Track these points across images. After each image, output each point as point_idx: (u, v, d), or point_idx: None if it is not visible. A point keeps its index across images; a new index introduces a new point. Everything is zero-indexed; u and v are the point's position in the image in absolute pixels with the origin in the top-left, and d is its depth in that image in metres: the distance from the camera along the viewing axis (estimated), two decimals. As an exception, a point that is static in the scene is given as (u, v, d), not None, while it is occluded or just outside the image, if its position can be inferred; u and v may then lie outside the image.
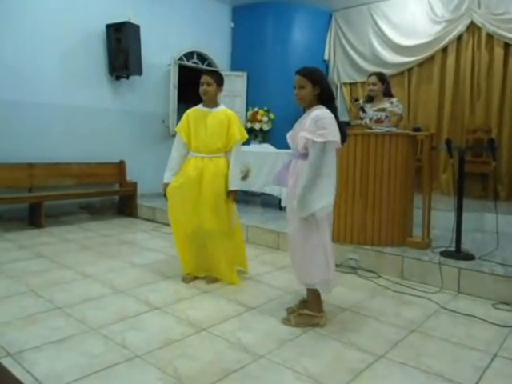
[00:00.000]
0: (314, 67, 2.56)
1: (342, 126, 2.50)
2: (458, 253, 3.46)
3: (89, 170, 5.79)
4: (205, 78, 3.18)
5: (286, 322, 2.56)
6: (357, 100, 4.32)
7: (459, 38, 6.46)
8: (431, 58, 6.73)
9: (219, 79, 3.22)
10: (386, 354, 2.23)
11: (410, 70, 6.97)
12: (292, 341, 2.36)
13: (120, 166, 6.14)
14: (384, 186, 3.67)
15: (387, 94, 4.10)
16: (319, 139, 2.34)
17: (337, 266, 3.64)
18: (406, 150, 3.72)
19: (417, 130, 3.93)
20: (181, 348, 2.25)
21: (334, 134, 2.38)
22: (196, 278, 3.31)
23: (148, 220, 5.70)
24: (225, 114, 3.24)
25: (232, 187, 3.21)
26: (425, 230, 3.71)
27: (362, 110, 4.12)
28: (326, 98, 2.50)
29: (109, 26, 5.92)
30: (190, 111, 3.31)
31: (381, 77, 4.09)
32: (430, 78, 6.76)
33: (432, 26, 6.62)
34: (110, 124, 6.14)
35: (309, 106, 2.52)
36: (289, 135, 2.68)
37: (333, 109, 2.49)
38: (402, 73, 7.04)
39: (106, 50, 6.04)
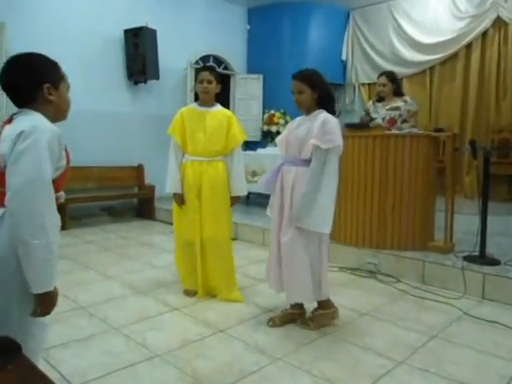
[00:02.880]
0: (311, 70, 2.50)
1: (342, 130, 2.48)
2: (482, 257, 3.36)
3: (109, 174, 5.92)
4: (205, 75, 2.90)
5: (305, 326, 2.54)
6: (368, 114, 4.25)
7: (484, 33, 6.30)
8: (454, 56, 6.59)
9: (218, 76, 2.99)
10: (406, 360, 2.19)
11: (431, 68, 6.85)
12: (309, 344, 2.35)
13: (138, 170, 6.25)
14: (404, 189, 3.62)
15: (398, 93, 4.05)
16: (328, 145, 2.31)
17: (355, 269, 3.65)
18: (427, 151, 3.66)
19: (439, 130, 3.86)
20: (199, 348, 2.28)
21: (340, 138, 2.36)
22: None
23: (165, 222, 5.75)
24: (223, 114, 2.98)
25: (238, 193, 3.01)
26: (447, 233, 3.63)
27: (367, 112, 4.11)
28: (325, 101, 2.46)
29: (127, 31, 6.05)
30: (184, 110, 3.03)
31: (391, 77, 4.04)
32: (453, 77, 6.62)
33: (455, 22, 6.48)
34: (128, 128, 6.26)
35: (308, 110, 2.49)
36: (281, 139, 2.57)
37: (333, 112, 2.46)
38: (423, 71, 6.92)
39: (124, 54, 6.16)
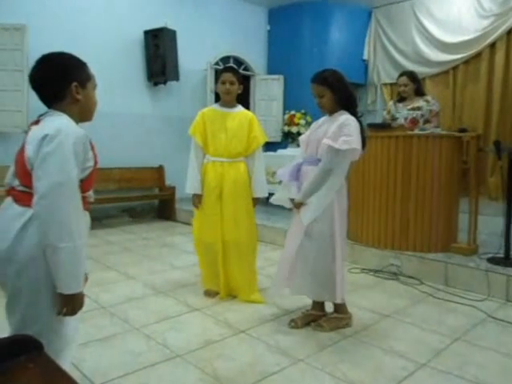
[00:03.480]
0: (329, 71, 2.45)
1: (364, 132, 2.44)
2: (507, 259, 3.29)
3: (129, 175, 5.97)
4: (228, 76, 2.90)
5: (319, 328, 2.52)
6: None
7: (509, 32, 6.13)
8: (478, 55, 6.44)
9: (240, 77, 2.99)
10: (429, 363, 2.16)
11: (455, 68, 6.71)
12: (331, 346, 2.33)
13: (159, 171, 6.29)
14: (427, 190, 3.56)
15: (419, 92, 3.99)
16: (343, 146, 2.28)
17: (377, 271, 3.61)
18: (450, 152, 3.59)
19: (462, 130, 3.79)
20: (220, 349, 2.28)
21: (358, 141, 2.32)
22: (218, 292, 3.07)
23: (186, 223, 5.78)
24: (245, 115, 2.98)
25: (259, 194, 3.00)
26: (471, 235, 3.56)
27: (388, 112, 4.06)
28: (348, 102, 2.42)
29: (146, 33, 6.08)
30: (206, 111, 3.04)
31: (412, 76, 3.99)
32: (477, 76, 6.48)
33: (479, 20, 6.34)
34: (148, 129, 6.31)
35: (332, 111, 2.46)
36: (303, 140, 2.59)
37: (355, 113, 2.42)
38: (446, 71, 6.78)
39: (144, 56, 6.20)
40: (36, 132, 1.33)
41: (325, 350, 2.28)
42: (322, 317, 2.60)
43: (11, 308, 1.37)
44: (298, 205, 2.47)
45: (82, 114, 1.46)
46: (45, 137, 1.28)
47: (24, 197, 1.32)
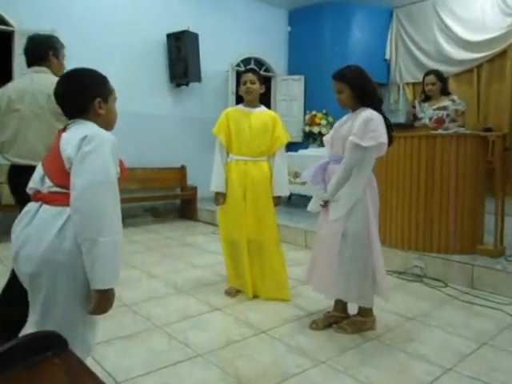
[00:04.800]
0: (350, 68, 2.44)
1: (390, 129, 2.40)
2: (535, 262, 3.20)
3: (152, 175, 6.05)
4: (248, 76, 2.96)
5: (341, 331, 2.49)
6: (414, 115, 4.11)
7: (535, 29, 6.00)
8: (503, 53, 6.29)
9: (261, 77, 3.04)
10: (455, 367, 2.10)
11: (479, 66, 6.57)
12: (354, 348, 2.30)
13: (181, 171, 6.36)
14: (451, 190, 3.48)
15: (445, 92, 3.90)
16: (370, 143, 2.25)
17: (400, 273, 3.55)
18: (475, 151, 3.51)
19: (487, 130, 3.72)
20: (241, 349, 2.28)
21: (384, 135, 2.29)
22: (239, 291, 3.10)
23: (208, 223, 5.83)
24: (268, 115, 3.03)
25: (280, 193, 3.00)
26: (497, 236, 3.47)
27: (412, 113, 3.98)
28: (369, 98, 2.38)
29: (169, 36, 6.18)
30: (230, 110, 3.09)
31: (439, 75, 3.90)
32: (502, 75, 6.32)
33: (504, 18, 6.19)
34: (171, 130, 6.39)
35: (352, 108, 2.44)
36: (327, 139, 2.58)
37: (378, 109, 2.38)
38: (470, 70, 6.64)
39: (167, 58, 6.30)
40: (70, 135, 1.38)
41: (347, 353, 2.25)
42: (344, 319, 2.56)
43: (45, 311, 1.37)
44: (326, 203, 2.45)
45: (104, 125, 1.50)
46: (84, 138, 1.33)
47: (59, 197, 1.35)
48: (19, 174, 2.07)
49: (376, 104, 2.40)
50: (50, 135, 1.95)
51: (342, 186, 2.37)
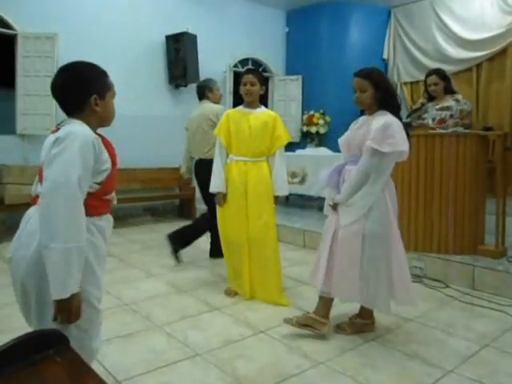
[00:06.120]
0: (375, 68, 2.40)
1: (408, 133, 2.34)
2: (537, 263, 3.18)
3: (151, 175, 6.06)
4: (248, 78, 2.95)
5: (341, 332, 2.47)
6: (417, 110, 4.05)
7: (535, 27, 5.97)
8: (503, 52, 6.26)
9: (262, 78, 3.02)
10: (456, 370, 2.09)
11: (478, 65, 6.54)
12: (353, 350, 2.29)
13: (179, 171, 6.34)
14: (451, 190, 3.46)
15: (449, 90, 3.85)
16: (387, 149, 2.19)
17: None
18: (475, 151, 3.48)
19: (488, 129, 3.69)
20: (240, 349, 2.27)
21: (404, 143, 2.22)
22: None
23: (207, 222, 5.81)
24: (268, 115, 3.01)
25: (280, 192, 2.99)
26: (499, 237, 3.44)
27: (418, 114, 3.93)
28: (389, 103, 2.33)
29: (168, 37, 6.22)
30: (231, 112, 3.08)
31: (441, 74, 3.83)
32: (502, 73, 6.29)
33: (503, 16, 6.16)
34: (170, 131, 6.36)
35: (370, 110, 2.38)
36: (342, 141, 2.51)
37: (397, 114, 2.32)
38: (469, 69, 6.62)
39: (166, 59, 6.34)
40: (49, 138, 1.36)
41: (346, 354, 2.24)
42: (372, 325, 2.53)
43: (40, 315, 1.36)
44: (335, 205, 2.39)
45: (101, 122, 1.48)
46: (56, 140, 1.31)
47: None
48: None
49: (395, 109, 2.35)
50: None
51: (356, 190, 2.29)
